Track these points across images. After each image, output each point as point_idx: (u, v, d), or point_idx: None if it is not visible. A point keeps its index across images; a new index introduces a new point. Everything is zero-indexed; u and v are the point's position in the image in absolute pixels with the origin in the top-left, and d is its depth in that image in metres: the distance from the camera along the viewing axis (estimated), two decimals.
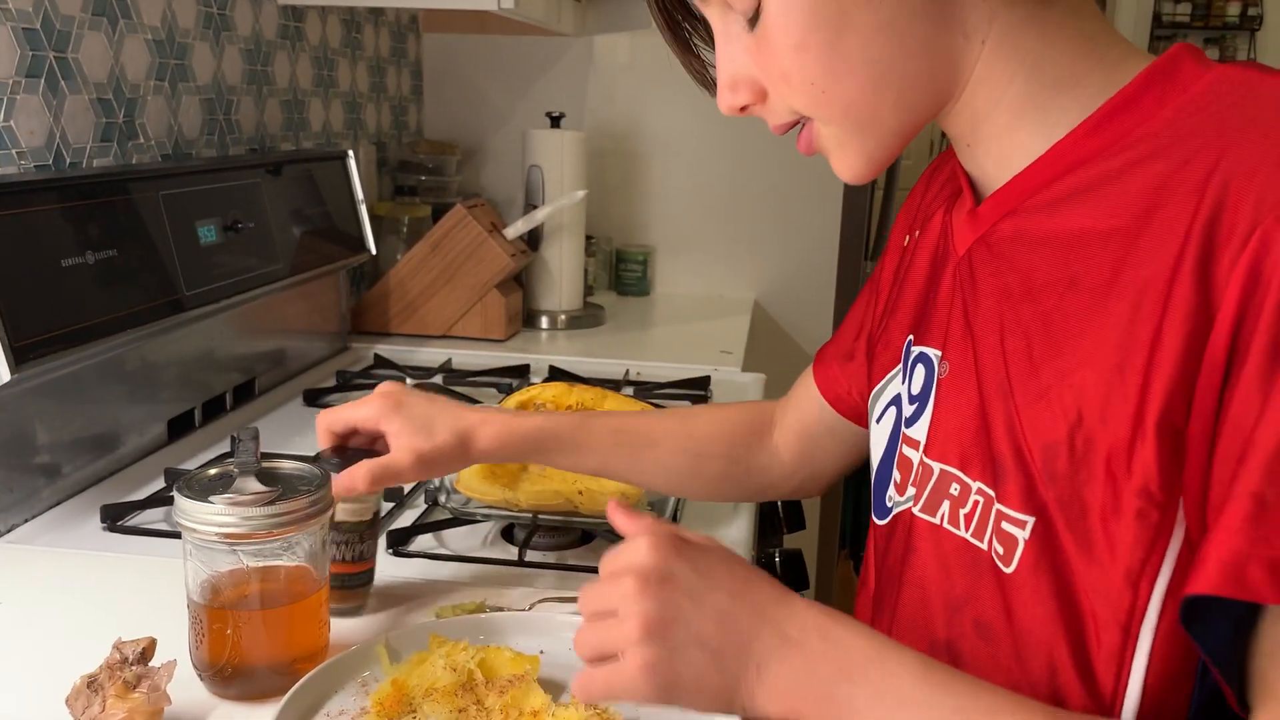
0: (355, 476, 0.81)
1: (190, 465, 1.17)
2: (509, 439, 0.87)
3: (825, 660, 0.57)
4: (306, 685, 0.71)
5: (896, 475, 0.73)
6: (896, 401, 0.74)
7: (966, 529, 0.64)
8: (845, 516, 2.46)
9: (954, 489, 0.65)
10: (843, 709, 0.56)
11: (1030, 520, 0.59)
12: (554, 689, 0.73)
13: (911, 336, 0.74)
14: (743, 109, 0.66)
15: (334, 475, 0.79)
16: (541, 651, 0.76)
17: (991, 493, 0.62)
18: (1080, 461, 0.57)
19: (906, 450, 0.72)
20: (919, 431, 0.70)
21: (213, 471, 0.75)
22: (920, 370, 0.71)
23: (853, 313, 0.91)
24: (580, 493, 1.00)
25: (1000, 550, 0.61)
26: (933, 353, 0.70)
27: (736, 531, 1.07)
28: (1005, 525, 0.61)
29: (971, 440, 0.64)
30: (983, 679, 0.57)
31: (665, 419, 0.97)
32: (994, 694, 0.56)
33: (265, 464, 0.76)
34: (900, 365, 0.75)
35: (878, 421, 0.77)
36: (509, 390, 1.48)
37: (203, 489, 0.72)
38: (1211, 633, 0.52)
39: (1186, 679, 0.57)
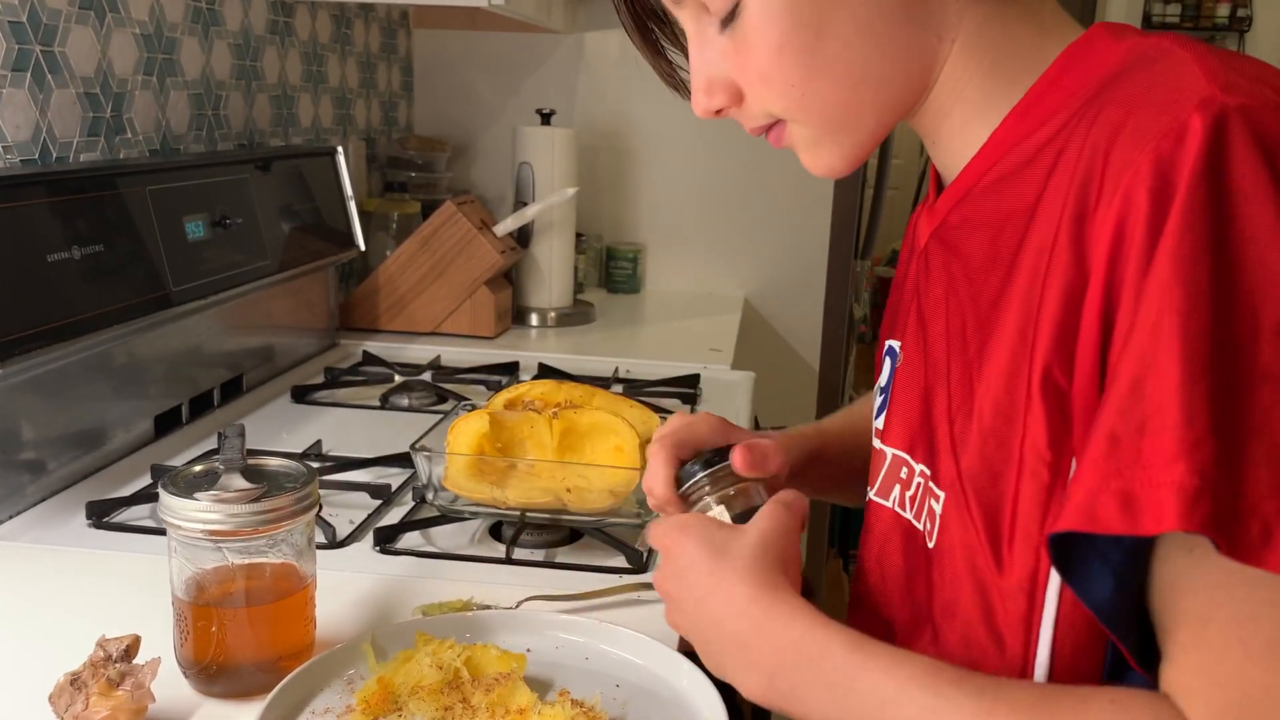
0: (768, 457, 0.73)
1: (177, 462, 1.16)
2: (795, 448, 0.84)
3: (780, 645, 0.62)
4: (292, 683, 0.71)
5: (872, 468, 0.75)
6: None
7: (910, 509, 0.67)
8: (834, 515, 2.47)
9: (903, 473, 0.68)
10: (792, 692, 0.61)
11: (943, 494, 0.62)
12: (540, 687, 0.72)
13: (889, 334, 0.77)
14: (718, 112, 0.67)
15: (733, 460, 0.72)
16: (528, 650, 0.76)
17: (929, 473, 0.65)
18: (989, 433, 0.58)
19: (875, 441, 0.74)
20: (882, 421, 0.73)
21: (198, 468, 0.75)
22: (887, 363, 0.74)
23: None
24: (569, 490, 1.00)
25: (928, 527, 0.64)
26: (896, 344, 0.73)
27: None
28: (931, 502, 0.63)
29: (918, 425, 0.67)
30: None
31: None
32: (913, 663, 0.57)
33: (251, 461, 0.75)
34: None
35: (874, 418, 0.78)
36: (498, 387, 1.47)
37: (187, 486, 0.72)
38: (1093, 583, 0.53)
39: (1097, 643, 0.57)
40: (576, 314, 1.94)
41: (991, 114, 0.64)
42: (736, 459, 0.72)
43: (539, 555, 0.99)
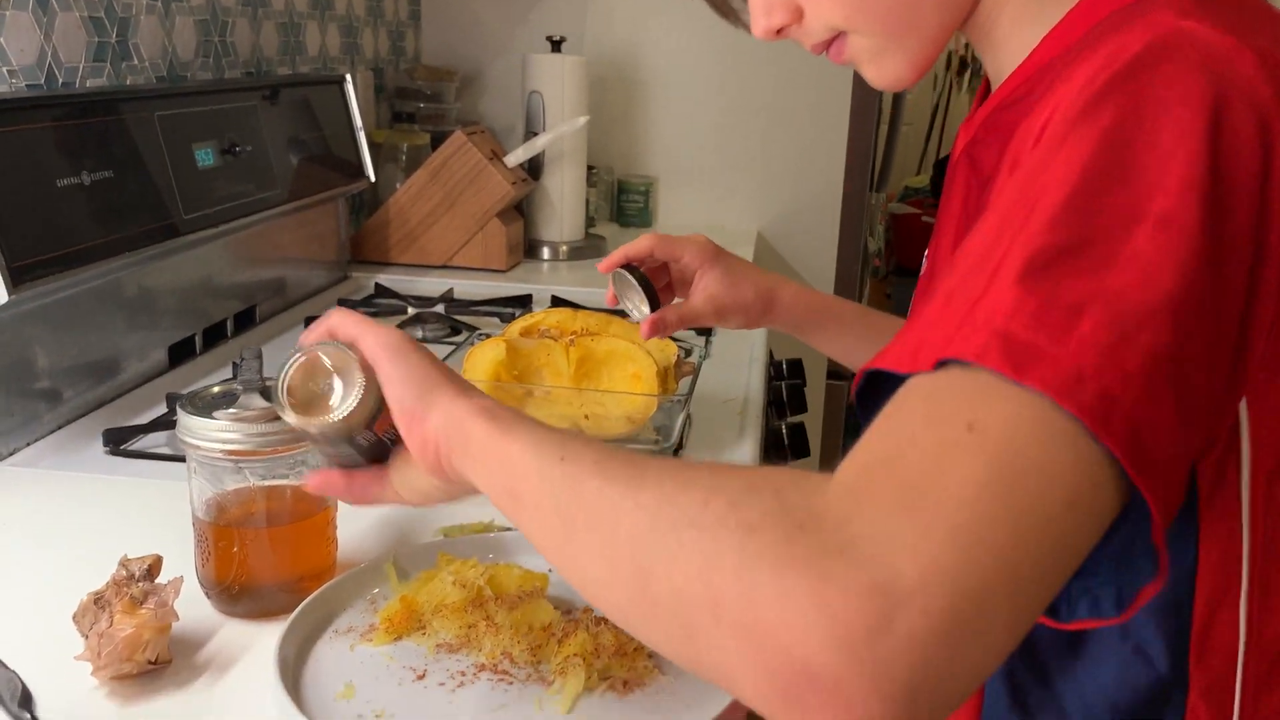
0: (668, 320, 0.92)
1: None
2: (804, 307, 0.98)
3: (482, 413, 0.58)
4: (314, 603, 0.71)
5: None
6: None
7: None
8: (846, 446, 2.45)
9: None
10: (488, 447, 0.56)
11: None
12: (562, 606, 0.72)
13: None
14: (779, 31, 0.67)
15: (640, 302, 0.93)
16: (550, 570, 0.75)
17: None
18: None
19: None
20: None
21: (216, 389, 0.74)
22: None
23: None
24: (586, 417, 0.99)
25: None
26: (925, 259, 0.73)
27: (741, 455, 1.06)
28: None
29: None
30: None
31: None
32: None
33: (270, 382, 0.75)
34: None
35: None
36: (511, 319, 1.46)
37: (206, 406, 0.71)
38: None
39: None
40: (588, 247, 1.92)
41: (1036, 25, 0.62)
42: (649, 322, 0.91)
43: None
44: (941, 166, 5.71)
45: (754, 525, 0.41)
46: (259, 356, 0.75)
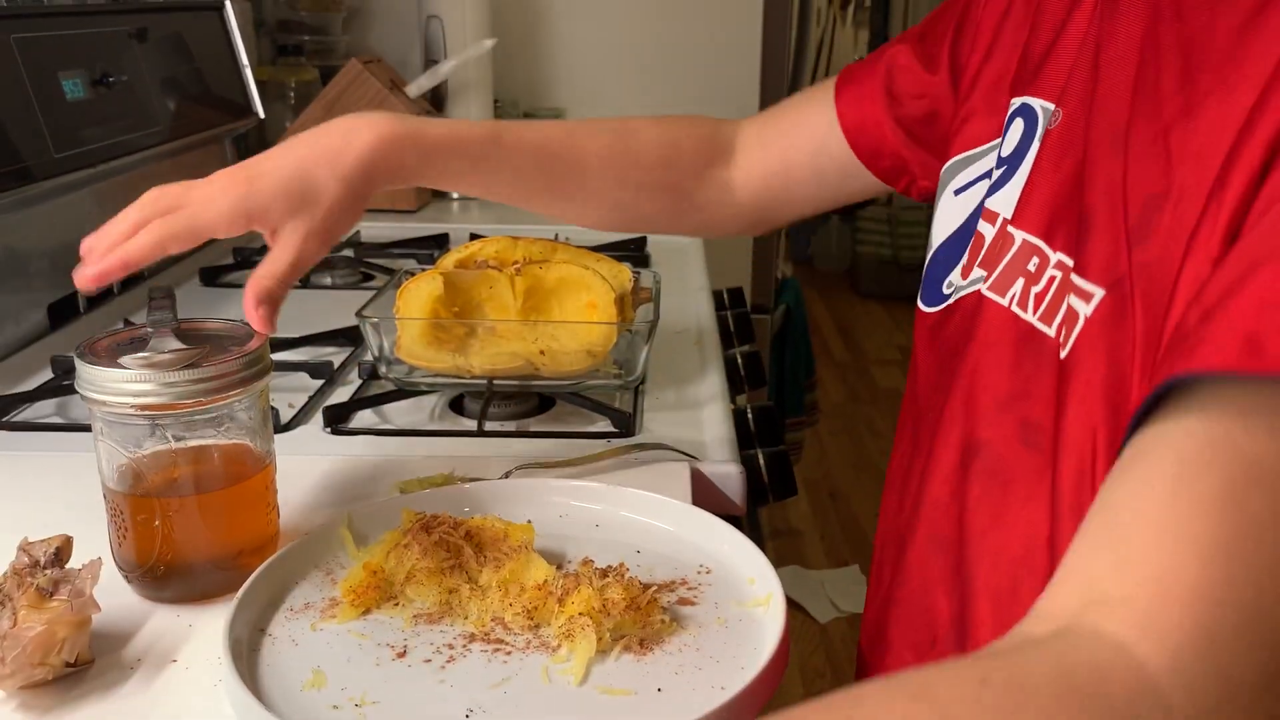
0: (251, 312, 0.62)
1: None
2: (408, 158, 0.68)
3: None
4: (261, 579, 0.60)
5: (965, 257, 0.63)
6: (989, 174, 0.64)
7: (1035, 311, 0.55)
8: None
9: (1032, 264, 0.56)
10: None
11: (1100, 293, 0.49)
12: (551, 560, 0.62)
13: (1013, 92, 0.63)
14: None
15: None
16: (529, 520, 0.66)
17: (1070, 263, 0.53)
18: (1179, 222, 0.45)
19: (983, 225, 0.62)
20: (1002, 201, 0.60)
21: (121, 334, 0.62)
22: (1018, 127, 0.61)
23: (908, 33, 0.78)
24: (542, 353, 0.89)
25: (1064, 334, 0.52)
26: (1039, 104, 0.59)
27: (708, 388, 0.97)
28: (1073, 299, 0.51)
29: (1065, 202, 0.54)
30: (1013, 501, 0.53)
31: (600, 138, 0.80)
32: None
33: (185, 324, 0.63)
34: (1003, 130, 0.64)
35: (957, 193, 0.67)
36: (430, 261, 1.34)
37: (110, 353, 0.59)
38: None
39: None
40: None
41: None
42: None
43: (511, 426, 0.89)
44: None
45: None
46: (170, 295, 0.63)
